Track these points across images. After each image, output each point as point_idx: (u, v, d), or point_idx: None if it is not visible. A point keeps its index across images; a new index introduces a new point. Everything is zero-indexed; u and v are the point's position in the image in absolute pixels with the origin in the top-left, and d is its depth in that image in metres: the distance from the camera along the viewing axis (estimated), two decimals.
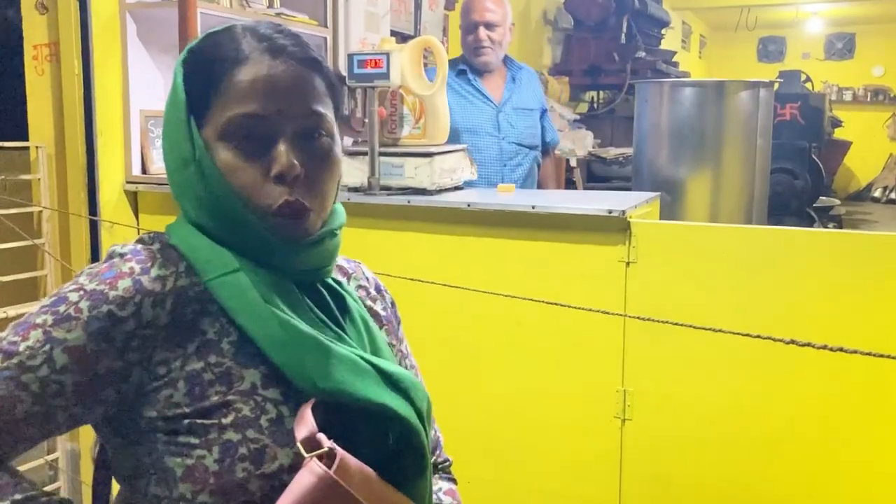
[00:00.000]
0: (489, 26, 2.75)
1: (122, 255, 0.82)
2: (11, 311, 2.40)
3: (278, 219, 0.82)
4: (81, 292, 0.78)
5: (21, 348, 0.75)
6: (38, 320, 0.77)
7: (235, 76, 0.81)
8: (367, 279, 1.04)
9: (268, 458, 0.77)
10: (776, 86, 3.28)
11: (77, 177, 2.47)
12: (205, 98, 0.82)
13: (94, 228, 2.47)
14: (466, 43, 2.75)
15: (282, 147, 0.81)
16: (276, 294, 0.81)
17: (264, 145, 0.82)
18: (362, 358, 0.83)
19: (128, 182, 2.52)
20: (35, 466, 2.52)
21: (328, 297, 0.88)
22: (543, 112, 2.99)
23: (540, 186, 2.95)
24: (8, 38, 2.68)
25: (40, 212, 2.54)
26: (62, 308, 0.77)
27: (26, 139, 2.57)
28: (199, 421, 0.77)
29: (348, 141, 3.20)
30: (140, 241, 0.87)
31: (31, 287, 2.60)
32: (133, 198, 2.54)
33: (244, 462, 0.76)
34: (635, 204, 1.95)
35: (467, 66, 2.82)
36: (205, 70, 0.83)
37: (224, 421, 0.77)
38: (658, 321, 1.15)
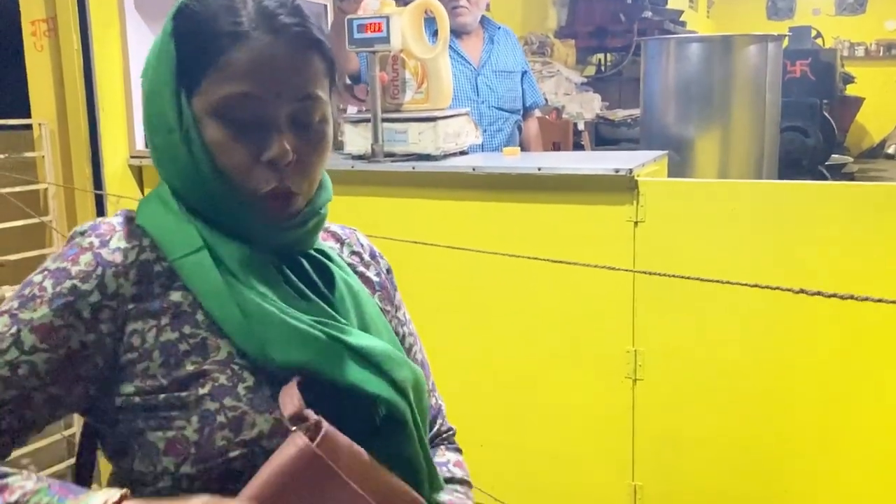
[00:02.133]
0: None
1: (82, 233, 0.82)
2: None
3: (263, 203, 0.80)
4: (45, 272, 0.78)
5: None
6: (6, 307, 0.77)
7: (234, 52, 0.78)
8: (362, 245, 1.02)
9: (246, 426, 0.76)
10: (785, 41, 3.22)
11: (81, 152, 2.46)
12: (197, 69, 0.79)
13: (100, 203, 2.47)
14: (442, 3, 2.68)
15: (277, 132, 0.79)
16: (247, 268, 0.80)
17: (258, 127, 0.79)
18: (328, 335, 0.80)
19: (132, 157, 2.52)
20: (52, 442, 2.54)
21: (310, 268, 0.87)
22: (524, 74, 2.91)
23: (523, 150, 2.89)
24: (6, 14, 2.66)
25: (46, 189, 2.54)
26: (27, 290, 0.77)
27: (28, 116, 2.56)
28: (176, 393, 0.76)
29: (352, 109, 3.18)
30: (116, 215, 0.86)
31: (39, 265, 2.61)
32: (138, 172, 2.54)
33: (223, 430, 0.76)
34: (643, 162, 1.92)
35: None
36: (199, 37, 0.79)
37: (201, 391, 0.76)
38: (666, 275, 1.14)
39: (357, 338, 0.83)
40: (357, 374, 0.80)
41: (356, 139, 2.20)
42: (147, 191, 2.52)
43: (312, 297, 0.84)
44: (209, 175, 0.79)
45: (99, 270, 0.78)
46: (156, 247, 0.80)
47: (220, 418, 0.76)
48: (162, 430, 0.76)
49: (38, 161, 2.56)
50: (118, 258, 0.79)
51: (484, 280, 2.03)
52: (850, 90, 9.54)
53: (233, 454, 0.76)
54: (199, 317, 0.79)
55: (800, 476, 1.79)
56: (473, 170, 2.02)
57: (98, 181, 2.45)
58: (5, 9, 2.70)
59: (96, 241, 0.80)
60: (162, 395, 0.77)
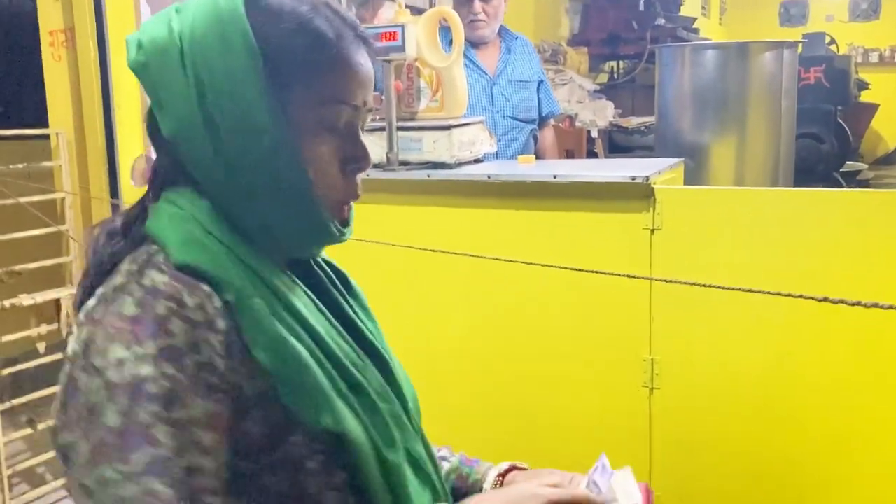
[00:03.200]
0: None
1: (140, 304, 0.69)
2: (39, 297, 2.42)
3: (337, 211, 0.81)
4: (151, 365, 0.66)
5: (162, 453, 0.63)
6: (146, 419, 0.64)
7: (334, 59, 0.77)
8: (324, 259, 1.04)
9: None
10: (800, 48, 3.21)
11: (98, 161, 2.48)
12: (289, 71, 0.76)
13: (116, 213, 2.48)
14: (460, 15, 2.65)
15: (364, 141, 0.81)
16: (297, 301, 0.78)
17: (348, 137, 0.80)
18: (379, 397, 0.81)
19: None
20: None
21: (333, 276, 0.90)
22: (540, 83, 2.91)
23: (539, 158, 2.89)
24: (24, 25, 2.69)
25: (63, 198, 2.56)
26: (154, 388, 0.65)
27: (46, 126, 2.58)
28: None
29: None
30: (136, 263, 0.73)
31: (56, 273, 2.63)
32: None
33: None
34: (658, 170, 1.91)
35: None
36: (290, 37, 0.76)
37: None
38: (683, 283, 1.13)
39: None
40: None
41: (371, 148, 2.19)
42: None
43: (346, 335, 0.83)
44: (298, 183, 0.76)
45: (196, 333, 0.68)
46: (216, 284, 0.72)
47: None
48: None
49: (55, 170, 2.58)
50: (201, 315, 0.70)
51: (500, 287, 2.03)
52: (865, 96, 9.48)
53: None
54: None
55: (817, 485, 1.77)
56: (489, 177, 2.02)
57: (114, 190, 2.46)
58: (24, 20, 2.72)
59: (174, 305, 0.69)
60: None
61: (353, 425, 0.74)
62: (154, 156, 0.83)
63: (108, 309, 0.69)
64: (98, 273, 0.76)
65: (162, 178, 0.80)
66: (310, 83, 0.76)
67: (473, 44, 2.74)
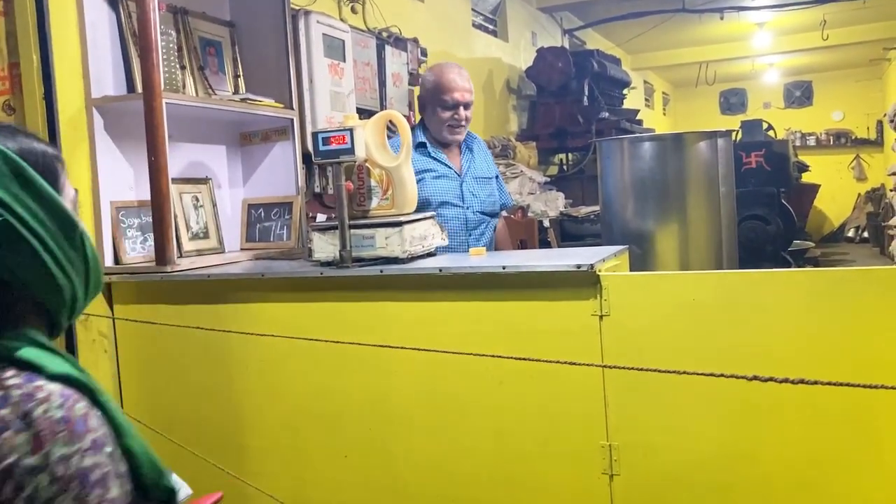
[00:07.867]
0: (467, 106, 2.79)
1: (62, 405, 0.82)
2: None
3: None
4: (84, 453, 0.82)
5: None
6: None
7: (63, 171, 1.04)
8: None
9: None
10: (737, 135, 3.38)
11: None
12: (54, 183, 0.98)
13: (69, 334, 2.45)
14: (441, 119, 2.74)
15: None
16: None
17: None
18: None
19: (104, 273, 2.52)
20: None
21: None
22: (496, 178, 3.03)
23: (497, 248, 2.97)
24: None
25: None
26: (96, 475, 0.83)
27: None
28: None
29: (322, 217, 3.23)
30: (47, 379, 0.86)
31: None
32: (107, 289, 2.54)
33: None
34: (603, 258, 1.97)
35: (427, 140, 2.83)
36: (42, 170, 0.96)
37: None
38: (630, 368, 1.16)
39: None
40: None
41: (325, 246, 2.24)
42: (117, 307, 2.52)
43: None
44: (98, 260, 1.01)
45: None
46: (88, 390, 0.88)
47: None
48: None
49: None
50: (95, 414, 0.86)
51: (456, 380, 2.04)
52: (806, 178, 9.89)
53: None
54: None
55: None
56: (440, 270, 2.06)
57: None
58: None
59: (83, 405, 0.85)
60: None
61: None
62: None
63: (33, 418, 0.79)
64: None
65: None
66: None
67: (441, 145, 2.83)
